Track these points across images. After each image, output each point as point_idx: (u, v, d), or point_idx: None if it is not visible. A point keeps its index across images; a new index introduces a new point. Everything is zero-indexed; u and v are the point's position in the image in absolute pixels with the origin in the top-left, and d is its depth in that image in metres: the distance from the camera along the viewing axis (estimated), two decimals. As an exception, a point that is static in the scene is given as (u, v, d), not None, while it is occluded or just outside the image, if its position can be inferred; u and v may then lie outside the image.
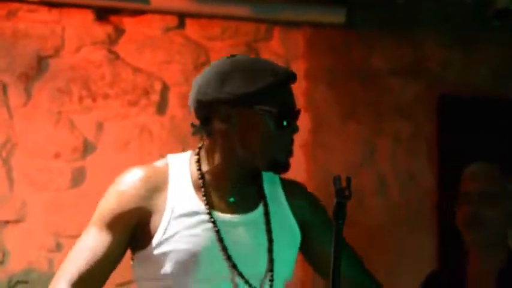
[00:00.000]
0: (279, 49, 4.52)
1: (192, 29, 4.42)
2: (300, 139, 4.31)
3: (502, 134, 4.43)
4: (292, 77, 2.05)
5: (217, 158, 2.13)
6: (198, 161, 2.14)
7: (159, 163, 2.14)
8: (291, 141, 2.09)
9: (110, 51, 4.29)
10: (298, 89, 4.08)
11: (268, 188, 2.19)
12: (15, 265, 4.06)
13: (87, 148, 4.20)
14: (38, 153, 4.18)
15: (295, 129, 2.10)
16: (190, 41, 4.43)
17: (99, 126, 4.23)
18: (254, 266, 2.09)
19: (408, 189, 4.48)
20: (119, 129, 4.24)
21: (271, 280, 2.09)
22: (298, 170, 4.30)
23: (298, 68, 4.40)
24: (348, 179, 1.84)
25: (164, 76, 4.42)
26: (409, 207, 4.43)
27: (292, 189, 2.22)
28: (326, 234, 2.11)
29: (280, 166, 2.08)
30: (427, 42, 4.52)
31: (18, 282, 4.05)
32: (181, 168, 2.15)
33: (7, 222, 4.08)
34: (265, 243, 2.09)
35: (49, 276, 2.29)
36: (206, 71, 2.13)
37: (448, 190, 4.08)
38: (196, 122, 2.13)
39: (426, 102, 4.47)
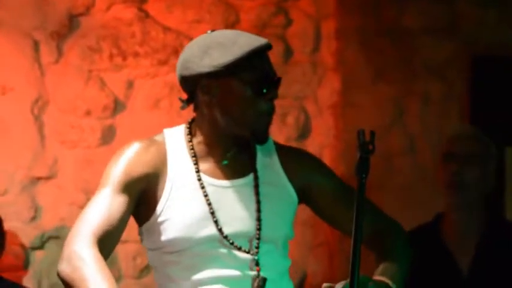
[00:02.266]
0: (308, 9, 4.42)
1: None
2: (328, 100, 4.40)
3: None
4: (266, 46, 2.12)
5: (205, 129, 2.22)
6: (190, 133, 2.23)
7: (157, 137, 2.22)
8: (271, 109, 2.17)
9: (140, 10, 4.21)
10: (328, 48, 4.46)
11: (262, 156, 2.27)
12: (47, 221, 4.08)
13: (117, 106, 4.19)
14: (69, 110, 4.16)
15: (275, 96, 2.16)
16: (220, 0, 4.36)
17: (129, 85, 4.21)
18: (242, 226, 2.15)
19: (438, 150, 4.20)
20: (149, 87, 4.21)
21: (258, 238, 2.15)
22: (327, 130, 4.37)
23: (329, 27, 4.41)
24: (372, 133, 1.84)
25: (194, 35, 4.22)
26: (438, 167, 4.30)
27: (287, 155, 2.30)
28: (333, 192, 2.26)
29: (258, 134, 2.17)
30: (461, 0, 4.39)
31: (50, 237, 4.07)
32: (177, 140, 2.22)
33: (39, 178, 4.08)
34: (254, 205, 2.15)
35: (80, 233, 2.44)
36: (188, 46, 2.21)
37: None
38: (184, 97, 2.22)
39: (459, 62, 4.36)
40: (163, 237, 2.17)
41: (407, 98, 4.38)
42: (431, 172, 4.28)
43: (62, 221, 4.21)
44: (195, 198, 2.21)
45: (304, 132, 4.45)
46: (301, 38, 4.51)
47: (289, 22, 4.45)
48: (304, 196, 2.32)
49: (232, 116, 2.20)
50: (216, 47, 2.16)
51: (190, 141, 2.26)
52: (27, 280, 3.98)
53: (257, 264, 2.15)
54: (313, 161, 2.40)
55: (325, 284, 2.05)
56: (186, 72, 2.18)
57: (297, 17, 4.49)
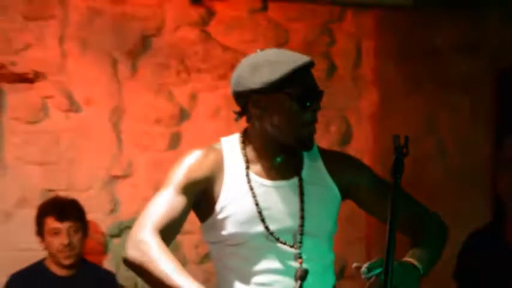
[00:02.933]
0: (350, 29, 4.64)
1: (274, 11, 4.54)
2: (367, 110, 4.61)
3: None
4: (309, 63, 2.23)
5: (256, 138, 2.34)
6: (243, 142, 2.34)
7: (215, 145, 2.36)
8: (314, 120, 2.28)
9: (203, 31, 4.45)
10: (367, 65, 4.64)
11: (308, 160, 2.38)
12: (124, 213, 4.32)
13: (182, 115, 4.41)
14: (142, 119, 4.39)
15: (317, 108, 2.27)
16: (272, 22, 4.55)
17: (193, 97, 4.43)
18: (287, 223, 2.28)
19: (466, 157, 4.56)
20: (210, 99, 4.41)
21: (301, 234, 2.26)
22: (366, 137, 4.59)
23: (368, 46, 4.63)
24: (406, 138, 1.96)
25: (249, 53, 4.42)
26: (466, 173, 4.51)
27: (331, 158, 2.42)
28: (373, 188, 2.37)
29: (304, 142, 2.29)
30: (488, 20, 4.49)
31: (126, 227, 4.22)
32: (232, 147, 2.35)
33: (117, 177, 4.34)
34: (298, 204, 2.28)
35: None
36: (240, 64, 2.33)
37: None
38: (238, 109, 2.33)
39: (486, 77, 4.50)
40: (223, 232, 2.30)
41: (438, 109, 4.53)
42: (459, 177, 4.55)
43: (136, 214, 4.38)
44: (246, 198, 2.33)
45: (346, 139, 4.64)
46: (343, 56, 4.70)
47: (332, 41, 4.66)
48: (347, 193, 2.42)
49: (280, 127, 2.29)
50: (264, 65, 2.24)
51: (244, 148, 2.38)
52: (107, 263, 4.25)
53: (300, 257, 2.26)
54: (354, 162, 2.51)
55: (355, 264, 2.16)
56: (239, 88, 2.28)
57: (340, 37, 4.69)
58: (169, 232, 2.23)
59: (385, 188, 2.19)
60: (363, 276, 2.11)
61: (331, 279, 2.36)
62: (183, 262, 4.14)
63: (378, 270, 2.09)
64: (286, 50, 2.43)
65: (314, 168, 2.40)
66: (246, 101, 2.29)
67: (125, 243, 2.20)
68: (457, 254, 3.54)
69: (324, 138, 4.46)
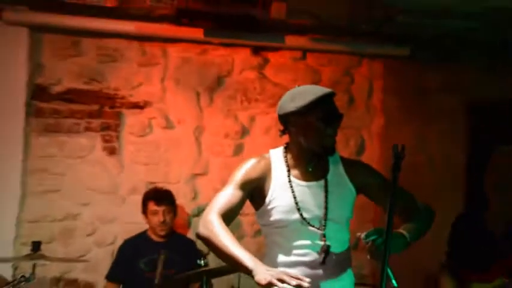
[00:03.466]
0: (365, 72, 4.98)
1: (310, 59, 4.89)
2: (376, 130, 4.90)
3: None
4: (330, 93, 2.41)
5: (294, 149, 2.53)
6: (286, 152, 2.55)
7: (266, 155, 2.57)
8: (334, 134, 2.45)
9: (260, 73, 4.85)
10: (377, 98, 4.90)
11: (332, 165, 2.56)
12: (201, 200, 4.70)
13: (244, 132, 4.80)
14: (216, 134, 4.78)
15: (337, 125, 2.45)
16: (309, 67, 4.89)
17: (252, 119, 4.82)
18: (315, 212, 2.46)
19: (446, 166, 4.80)
20: (264, 121, 4.78)
21: (325, 220, 2.44)
22: (375, 149, 4.87)
23: (378, 85, 4.97)
24: (402, 146, 2.09)
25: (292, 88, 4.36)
26: (447, 176, 4.76)
27: (349, 164, 2.60)
28: (380, 186, 2.53)
29: (327, 149, 2.47)
30: (463, 69, 4.76)
31: (202, 210, 3.76)
32: (277, 156, 2.56)
33: (197, 174, 4.74)
34: (323, 199, 2.47)
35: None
36: (284, 95, 2.52)
37: (473, 166, 4.52)
38: (281, 128, 2.54)
39: (461, 109, 4.80)
40: (271, 218, 2.49)
41: (427, 131, 4.82)
42: (444, 178, 4.72)
43: (209, 200, 3.70)
44: (287, 194, 2.49)
45: (360, 150, 4.90)
46: (360, 91, 4.98)
47: (352, 81, 4.97)
48: (361, 190, 2.57)
49: (309, 139, 2.47)
50: (299, 95, 2.44)
51: (286, 157, 2.55)
52: (189, 234, 4.57)
53: (324, 236, 2.44)
54: (366, 167, 2.65)
55: (357, 234, 2.35)
56: (281, 112, 2.49)
57: (357, 78, 4.98)
58: (228, 216, 2.41)
59: (388, 186, 2.20)
60: (363, 241, 2.30)
61: (347, 252, 2.53)
62: (242, 235, 4.62)
63: (373, 237, 2.29)
64: (316, 85, 2.57)
65: (336, 173, 2.56)
66: (286, 122, 2.49)
67: (199, 222, 2.41)
68: (450, 228, 3.75)
69: (345, 150, 4.65)
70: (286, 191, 2.48)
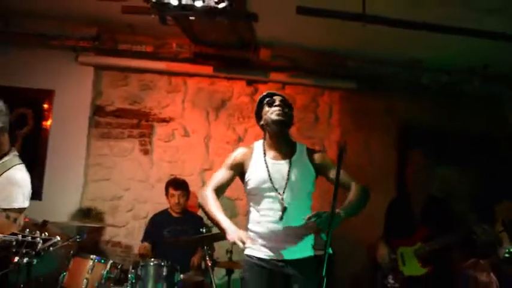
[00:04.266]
0: (327, 100, 5.13)
1: (288, 89, 5.02)
2: (334, 140, 4.98)
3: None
4: (270, 93, 2.65)
5: (266, 137, 2.70)
6: (263, 141, 2.72)
7: (251, 145, 2.71)
8: (281, 112, 2.60)
9: (252, 98, 5.05)
10: (335, 117, 4.91)
11: (298, 151, 2.67)
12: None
13: (240, 139, 5.03)
14: (220, 141, 5.01)
15: (280, 105, 2.59)
16: (287, 95, 3.66)
17: (246, 130, 5.05)
18: (281, 182, 2.58)
19: (383, 163, 4.97)
20: (254, 131, 4.87)
21: (285, 187, 2.55)
22: (333, 154, 3.84)
23: (336, 108, 5.06)
24: (345, 142, 2.32)
25: None
26: (384, 171, 4.92)
27: (311, 152, 2.71)
28: (332, 169, 2.60)
29: (280, 122, 2.59)
30: (396, 96, 4.99)
31: None
32: (258, 144, 2.73)
33: (205, 169, 4.98)
34: (287, 173, 2.58)
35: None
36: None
37: (401, 165, 4.54)
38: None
39: (394, 125, 5.01)
40: (249, 187, 2.63)
41: (370, 140, 4.99)
42: (379, 172, 4.81)
43: None
44: (262, 169, 2.60)
45: (323, 150, 4.79)
46: (323, 113, 5.13)
47: (317, 105, 5.13)
48: (319, 171, 2.64)
49: (268, 122, 2.63)
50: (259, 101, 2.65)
51: (263, 144, 2.71)
52: (199, 212, 4.61)
53: (282, 199, 2.55)
54: (323, 155, 2.75)
55: (304, 217, 2.36)
56: (256, 115, 2.71)
57: (321, 103, 5.13)
58: (220, 189, 2.60)
59: (335, 170, 2.36)
60: (306, 221, 2.36)
61: (304, 214, 2.44)
62: (236, 214, 4.70)
63: (313, 218, 2.37)
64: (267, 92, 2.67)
65: (300, 155, 2.67)
66: (258, 119, 2.73)
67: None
68: (386, 209, 3.82)
69: None
70: (261, 167, 2.59)
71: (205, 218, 4.34)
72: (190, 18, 3.40)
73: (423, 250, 3.56)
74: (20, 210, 2.46)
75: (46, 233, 2.18)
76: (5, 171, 2.45)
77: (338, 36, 4.20)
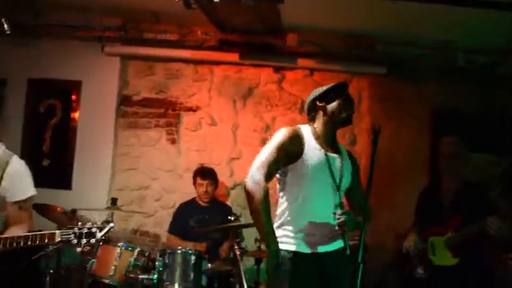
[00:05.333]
0: (356, 86, 5.07)
1: (316, 76, 5.01)
2: (364, 128, 4.94)
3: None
4: (340, 83, 2.54)
5: (319, 127, 2.57)
6: (312, 129, 2.56)
7: (295, 127, 2.56)
8: (352, 111, 2.53)
9: (279, 86, 5.08)
10: (365, 104, 4.90)
11: (342, 148, 2.66)
12: (236, 177, 4.98)
13: (267, 128, 5.04)
14: (248, 129, 5.04)
15: (351, 105, 2.50)
16: (315, 82, 4.94)
17: (273, 119, 5.06)
18: (338, 176, 2.51)
19: (416, 153, 4.92)
20: (282, 120, 4.98)
21: (340, 181, 2.50)
22: (364, 142, 4.84)
23: (365, 94, 5.01)
24: (379, 126, 2.25)
25: (303, 98, 4.61)
26: (415, 160, 4.88)
27: (349, 153, 2.71)
28: (356, 186, 2.61)
29: (347, 121, 2.53)
30: (427, 83, 4.92)
31: (237, 184, 4.96)
32: (306, 129, 2.56)
33: (233, 158, 5.02)
34: (340, 166, 2.53)
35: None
36: (309, 96, 2.62)
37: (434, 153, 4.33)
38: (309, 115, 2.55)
39: (426, 113, 4.93)
40: (303, 171, 2.44)
41: (401, 129, 4.91)
42: (412, 162, 4.77)
43: (243, 178, 3.71)
44: (319, 154, 2.48)
45: (353, 143, 5.01)
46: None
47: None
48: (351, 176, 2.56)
49: (334, 116, 2.51)
50: (322, 87, 2.58)
51: (313, 131, 2.55)
52: (228, 202, 4.86)
53: (339, 189, 2.48)
54: (356, 162, 2.72)
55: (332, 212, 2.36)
56: (310, 99, 2.59)
57: (351, 89, 3.69)
58: (270, 174, 2.43)
59: (359, 182, 2.45)
60: (336, 217, 2.38)
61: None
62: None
63: (345, 216, 2.40)
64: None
65: (345, 155, 2.66)
66: (313, 107, 2.57)
67: (250, 172, 2.35)
68: (417, 198, 3.76)
69: (342, 140, 3.91)
70: (317, 154, 2.47)
71: (233, 208, 4.57)
72: (215, 0, 3.40)
73: (454, 240, 3.49)
74: (30, 199, 2.59)
75: (97, 222, 2.36)
76: (4, 169, 2.54)
77: (367, 18, 4.12)
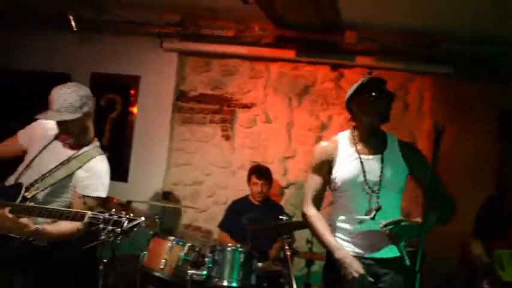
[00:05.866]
0: (418, 86, 4.93)
1: (377, 74, 4.14)
2: (425, 130, 4.78)
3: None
4: (372, 79, 2.42)
5: (357, 128, 2.52)
6: (352, 132, 2.54)
7: (335, 137, 2.56)
8: (387, 106, 2.42)
9: (336, 84, 5.02)
10: (426, 105, 4.77)
11: (390, 144, 2.51)
12: (290, 176, 4.94)
13: (323, 127, 4.98)
14: (302, 128, 4.98)
15: (386, 100, 2.39)
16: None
17: (330, 117, 4.99)
18: (372, 179, 2.44)
19: (482, 158, 4.71)
20: (339, 119, 4.90)
21: (379, 186, 2.41)
22: (424, 146, 4.43)
23: (427, 96, 4.87)
24: (442, 125, 2.10)
25: None
26: (479, 166, 4.72)
27: (404, 146, 2.54)
28: (424, 167, 2.44)
29: (383, 118, 2.44)
30: (493, 83, 4.65)
31: (290, 184, 4.96)
32: (344, 136, 2.55)
33: (288, 157, 4.99)
34: (380, 169, 2.44)
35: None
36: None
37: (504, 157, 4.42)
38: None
39: (493, 114, 4.76)
40: (337, 185, 2.48)
41: (466, 131, 4.73)
42: (477, 168, 4.60)
43: (296, 177, 4.95)
44: (351, 164, 2.45)
45: (413, 142, 4.67)
46: (413, 100, 4.95)
47: (407, 93, 4.94)
48: (410, 168, 2.47)
49: (367, 114, 2.44)
50: (353, 86, 2.49)
51: (352, 135, 2.53)
52: (281, 202, 4.86)
53: (378, 198, 2.41)
54: (417, 151, 2.57)
55: (380, 222, 2.28)
56: (346, 101, 2.54)
57: (411, 90, 4.95)
58: (318, 200, 2.48)
59: (427, 173, 2.17)
60: (382, 228, 2.30)
61: (397, 215, 2.43)
62: None
63: (390, 226, 2.32)
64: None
65: (392, 150, 2.51)
66: (349, 108, 2.51)
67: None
68: (479, 207, 3.70)
69: None
70: (351, 162, 2.44)
71: (286, 207, 4.60)
72: (273, -6, 3.27)
73: None
74: (97, 199, 2.62)
75: (131, 214, 2.33)
76: (88, 161, 2.63)
77: (429, 13, 3.94)
